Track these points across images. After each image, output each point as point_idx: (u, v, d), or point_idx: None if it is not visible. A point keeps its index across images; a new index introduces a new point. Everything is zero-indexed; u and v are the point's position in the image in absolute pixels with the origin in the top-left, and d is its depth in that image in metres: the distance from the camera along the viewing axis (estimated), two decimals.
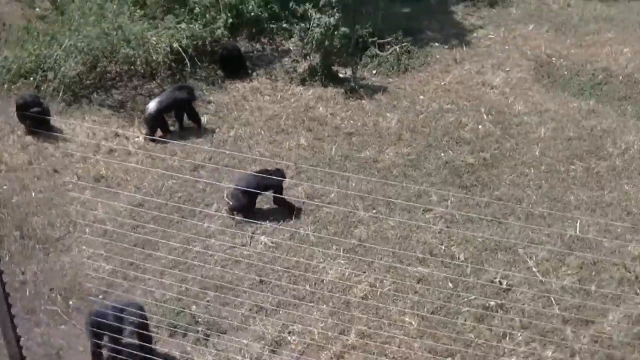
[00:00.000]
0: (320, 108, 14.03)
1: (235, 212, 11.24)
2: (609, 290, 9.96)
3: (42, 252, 10.85)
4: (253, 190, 10.88)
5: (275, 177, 11.20)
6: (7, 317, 6.38)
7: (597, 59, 15.70)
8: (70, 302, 10.00)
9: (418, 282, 10.08)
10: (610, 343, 9.30)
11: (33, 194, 11.97)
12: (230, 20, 15.34)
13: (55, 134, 13.22)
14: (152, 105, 13.04)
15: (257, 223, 11.09)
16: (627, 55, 15.80)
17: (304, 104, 14.16)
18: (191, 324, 9.53)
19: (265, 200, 11.46)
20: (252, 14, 15.72)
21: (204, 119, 13.56)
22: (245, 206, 11.20)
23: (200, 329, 9.47)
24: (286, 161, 12.36)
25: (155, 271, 10.24)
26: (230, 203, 11.34)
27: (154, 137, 13.01)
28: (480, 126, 13.45)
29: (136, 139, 13.05)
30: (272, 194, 11.34)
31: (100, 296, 9.92)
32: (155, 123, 13.10)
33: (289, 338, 9.37)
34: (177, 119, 13.35)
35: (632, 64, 15.45)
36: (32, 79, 14.18)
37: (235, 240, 10.83)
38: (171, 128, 13.33)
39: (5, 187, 12.17)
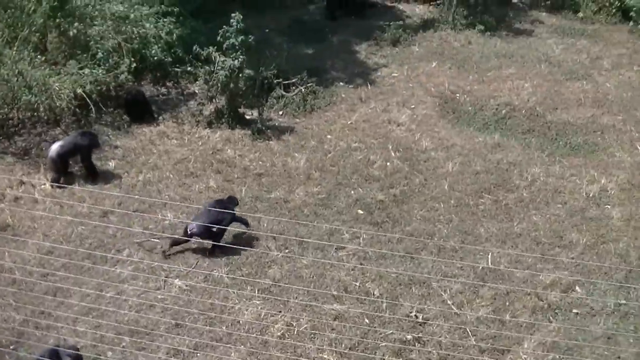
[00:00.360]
0: (229, 150, 14.26)
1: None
2: (523, 319, 10.45)
3: None
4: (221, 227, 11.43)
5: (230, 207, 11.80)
6: None
7: (500, 94, 16.50)
8: None
9: (334, 320, 10.34)
10: None
11: None
12: (134, 65, 15.43)
13: None
14: (54, 149, 13.05)
15: (170, 266, 11.20)
16: (528, 89, 16.68)
17: (211, 146, 14.37)
18: None
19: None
20: (156, 58, 15.91)
21: (111, 164, 13.63)
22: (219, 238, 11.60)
23: None
24: (196, 203, 12.50)
25: (67, 319, 10.22)
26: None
27: (60, 184, 13.00)
28: (388, 163, 13.91)
29: (42, 186, 13.00)
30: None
31: (12, 347, 9.86)
32: (59, 167, 13.09)
33: None
34: (83, 164, 13.36)
35: (534, 97, 16.31)
36: None
37: (149, 285, 10.91)
38: (77, 173, 13.35)
39: None
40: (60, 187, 12.96)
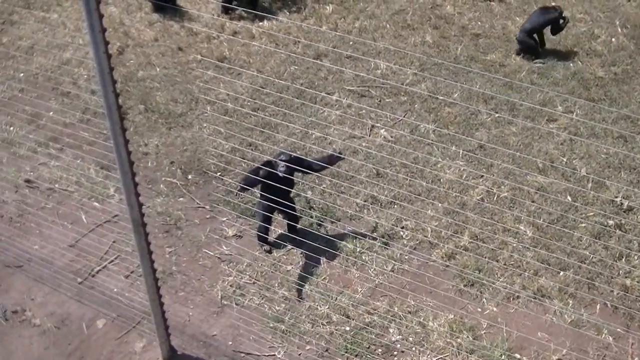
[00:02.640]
0: (448, 6, 13.62)
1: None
2: None
3: (165, 126, 11.02)
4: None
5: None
6: (131, 184, 6.46)
7: None
8: (189, 177, 10.16)
9: (537, 191, 9.82)
10: None
11: (158, 70, 12.12)
12: None
13: (181, 10, 13.27)
14: None
15: (378, 115, 10.98)
16: None
17: (431, 0, 13.77)
18: (305, 208, 9.57)
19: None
20: None
21: (328, 8, 13.37)
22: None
23: (314, 214, 9.51)
24: (410, 56, 12.10)
25: (274, 153, 10.26)
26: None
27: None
28: (613, 39, 12.82)
29: (260, 23, 12.97)
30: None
31: (219, 173, 10.06)
32: None
33: (401, 232, 9.32)
34: None
35: None
36: None
37: (355, 131, 10.76)
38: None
39: (132, 61, 12.34)
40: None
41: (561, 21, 12.30)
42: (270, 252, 9.10)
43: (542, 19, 12.23)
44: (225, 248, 9.16)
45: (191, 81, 11.79)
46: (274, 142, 10.52)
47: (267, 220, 9.06)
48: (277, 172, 8.60)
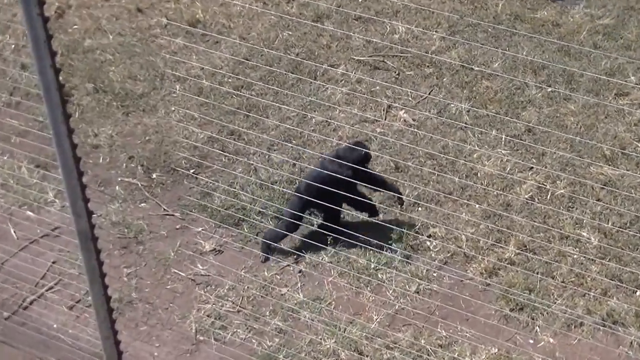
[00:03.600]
0: None
1: None
2: None
3: (121, 110, 11.05)
4: None
5: None
6: (77, 187, 6.42)
7: None
8: (154, 176, 10.18)
9: (603, 187, 9.83)
10: None
11: (111, 38, 12.16)
12: None
13: None
14: None
15: (395, 92, 11.00)
16: None
17: None
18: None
19: None
20: None
21: None
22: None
23: (316, 220, 9.52)
24: (437, 16, 12.11)
25: (262, 143, 10.33)
26: None
27: None
28: None
29: None
30: None
31: (192, 170, 10.09)
32: None
33: (428, 242, 9.33)
34: None
35: None
36: None
37: (367, 114, 10.78)
38: None
39: (75, 26, 12.39)
40: None
41: None
42: (266, 261, 9.22)
43: None
44: (201, 267, 9.18)
45: (154, 52, 11.83)
46: (262, 129, 10.53)
47: (294, 228, 9.22)
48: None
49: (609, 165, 10.08)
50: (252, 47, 11.73)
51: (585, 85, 11.13)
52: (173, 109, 10.95)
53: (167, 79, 11.40)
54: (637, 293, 8.75)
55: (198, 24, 12.31)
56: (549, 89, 11.05)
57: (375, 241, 9.22)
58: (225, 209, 9.63)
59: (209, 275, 9.09)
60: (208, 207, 9.67)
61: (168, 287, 9.04)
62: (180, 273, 9.14)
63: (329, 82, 11.26)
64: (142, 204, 9.90)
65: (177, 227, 9.62)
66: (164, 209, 9.79)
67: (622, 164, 10.09)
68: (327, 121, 10.63)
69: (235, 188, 9.77)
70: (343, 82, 11.25)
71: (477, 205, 9.62)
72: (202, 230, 9.54)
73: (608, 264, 8.95)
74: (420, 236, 9.35)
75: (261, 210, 9.52)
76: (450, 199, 9.71)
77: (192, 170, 10.11)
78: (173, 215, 9.73)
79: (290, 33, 12.08)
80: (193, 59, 11.62)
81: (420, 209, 9.64)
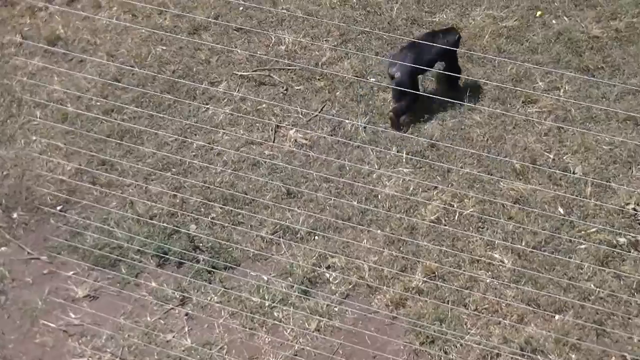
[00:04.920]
0: None
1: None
2: None
3: None
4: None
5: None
6: None
7: None
8: (14, 215, 10.11)
9: (514, 204, 10.06)
10: None
11: None
12: None
13: None
14: None
15: (285, 109, 11.08)
16: None
17: None
18: (189, 250, 9.62)
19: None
20: None
21: None
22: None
23: (202, 257, 9.55)
24: (326, 24, 12.24)
25: (137, 174, 10.31)
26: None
27: None
28: None
29: None
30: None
31: (59, 207, 10.03)
32: None
33: (327, 275, 9.42)
34: None
35: None
36: None
37: (254, 134, 10.85)
38: None
39: None
40: None
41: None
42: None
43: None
44: (73, 316, 9.14)
45: (9, 75, 11.72)
46: (137, 157, 10.53)
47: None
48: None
49: (520, 179, 10.31)
50: (122, 66, 11.70)
51: (491, 94, 11.35)
52: (34, 138, 10.88)
53: (25, 105, 11.30)
54: (556, 317, 8.99)
55: (59, 42, 12.21)
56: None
57: (270, 276, 9.31)
58: (99, 249, 9.61)
59: (83, 325, 9.05)
60: (79, 247, 9.63)
61: (36, 341, 8.97)
62: (49, 324, 9.08)
63: (210, 101, 11.29)
64: (3, 248, 9.81)
65: (45, 272, 9.56)
66: (28, 252, 9.72)
67: (533, 178, 10.33)
68: (209, 145, 10.66)
69: (109, 225, 9.75)
70: (226, 100, 11.29)
71: (379, 231, 9.75)
72: (74, 274, 9.50)
73: (523, 288, 9.17)
74: (318, 268, 9.44)
75: (140, 248, 9.51)
76: (349, 225, 9.82)
77: (59, 207, 10.06)
78: (39, 258, 9.66)
79: (164, 48, 12.07)
80: (54, 81, 11.53)
81: (316, 237, 9.74)
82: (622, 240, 9.68)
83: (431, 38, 11.01)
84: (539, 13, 12.44)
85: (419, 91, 10.94)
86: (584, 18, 12.50)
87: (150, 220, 9.78)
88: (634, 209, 10.03)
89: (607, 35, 12.23)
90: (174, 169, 10.41)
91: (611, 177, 10.39)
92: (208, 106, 11.18)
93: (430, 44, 10.80)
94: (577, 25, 12.40)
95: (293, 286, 9.27)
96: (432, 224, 9.84)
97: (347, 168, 10.43)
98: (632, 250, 9.62)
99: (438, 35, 11.12)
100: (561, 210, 10.01)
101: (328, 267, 9.48)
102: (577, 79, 11.53)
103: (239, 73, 11.69)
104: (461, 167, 10.41)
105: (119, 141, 10.68)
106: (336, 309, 9.13)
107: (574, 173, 10.40)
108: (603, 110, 11.05)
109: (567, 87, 11.43)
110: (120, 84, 11.46)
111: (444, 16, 12.50)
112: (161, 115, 11.01)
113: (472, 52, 11.85)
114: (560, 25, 12.39)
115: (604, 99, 11.30)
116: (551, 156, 10.62)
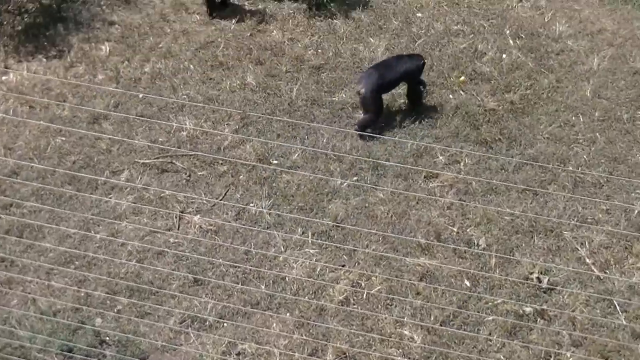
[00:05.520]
0: (274, 31, 13.94)
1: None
2: None
3: None
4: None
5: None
6: None
7: None
8: None
9: (421, 280, 10.12)
10: None
11: None
12: None
13: None
14: None
15: (188, 197, 11.05)
16: None
17: (250, 25, 14.05)
18: (95, 345, 9.49)
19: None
20: None
21: (104, 48, 13.43)
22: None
23: (108, 352, 9.44)
24: (227, 107, 12.28)
25: (39, 269, 10.17)
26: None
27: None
28: (504, 56, 13.44)
29: (3, 78, 12.92)
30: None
31: None
32: None
33: None
34: None
35: None
36: None
37: (157, 223, 10.81)
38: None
39: None
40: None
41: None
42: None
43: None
44: None
45: None
46: (39, 252, 10.40)
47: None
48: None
49: (426, 254, 10.39)
50: (17, 162, 11.56)
51: (393, 170, 11.44)
52: None
53: None
54: None
55: None
56: (355, 178, 11.33)
57: None
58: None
59: None
60: None
61: None
62: None
63: (112, 191, 11.23)
64: None
65: None
66: None
67: (439, 252, 10.42)
68: (113, 236, 10.57)
69: (10, 324, 9.58)
70: (128, 189, 11.23)
71: (288, 315, 9.72)
72: None
73: None
74: (227, 357, 9.38)
75: (43, 347, 9.35)
76: (258, 311, 9.79)
77: None
78: None
79: (63, 139, 11.97)
80: None
81: (225, 324, 9.69)
82: (528, 309, 9.80)
83: (397, 60, 12.13)
84: (462, 78, 12.74)
85: (382, 107, 12.05)
86: (480, 92, 12.73)
87: (53, 317, 9.63)
88: (538, 278, 10.15)
89: (503, 108, 12.46)
90: (77, 262, 10.31)
91: (514, 247, 10.53)
92: (110, 196, 11.11)
93: (395, 65, 12.04)
94: (474, 99, 12.63)
95: None
96: (340, 304, 9.84)
97: (254, 252, 10.43)
98: (538, 319, 9.74)
99: (404, 59, 12.20)
100: (467, 283, 10.10)
101: (238, 354, 9.44)
102: (476, 152, 11.69)
103: (141, 161, 11.66)
104: (367, 246, 10.46)
105: (18, 237, 10.54)
106: None
107: (478, 245, 10.53)
108: (502, 181, 11.20)
109: (467, 160, 11.59)
110: (17, 178, 11.33)
111: (344, 95, 12.64)
112: (60, 209, 10.87)
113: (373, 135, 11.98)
114: (457, 100, 12.60)
115: (503, 171, 11.48)
116: (455, 229, 10.72)
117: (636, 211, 10.92)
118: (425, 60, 12.40)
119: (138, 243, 10.51)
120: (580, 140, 11.99)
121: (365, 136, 11.76)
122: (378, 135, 11.80)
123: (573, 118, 12.33)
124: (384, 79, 11.94)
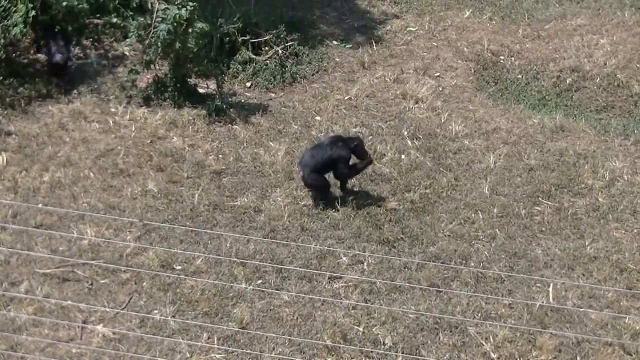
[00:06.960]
0: (175, 138, 14.04)
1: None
2: None
3: None
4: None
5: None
6: None
7: (564, 55, 16.21)
8: None
9: None
10: None
11: None
12: (32, 14, 15.11)
13: None
14: None
15: (90, 306, 10.90)
16: (605, 48, 16.39)
17: (150, 132, 14.15)
18: None
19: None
20: (66, 4, 15.53)
21: (2, 158, 13.31)
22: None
23: None
24: (129, 215, 12.22)
25: None
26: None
27: None
28: (403, 156, 13.69)
29: None
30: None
31: None
32: None
33: None
34: None
35: (613, 60, 16.03)
36: None
37: (59, 334, 10.61)
38: None
39: None
40: None
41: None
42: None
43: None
44: None
45: None
46: None
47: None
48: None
49: (333, 356, 10.38)
50: None
51: (297, 273, 11.46)
52: None
53: None
54: None
55: None
56: (260, 282, 11.32)
57: None
58: None
59: None
60: None
61: None
62: None
63: (12, 303, 10.99)
64: None
65: None
66: None
67: (345, 353, 10.40)
68: (12, 350, 10.33)
69: None
70: (28, 301, 11.02)
71: None
72: None
73: None
74: None
75: None
76: None
77: None
78: None
79: None
80: None
81: None
82: None
83: (332, 143, 12.70)
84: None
85: (326, 182, 12.74)
86: (381, 192, 12.88)
87: None
88: None
89: (404, 207, 12.64)
90: None
91: (420, 345, 10.58)
92: (9, 308, 10.88)
93: (326, 149, 12.53)
94: (376, 199, 12.74)
95: None
96: None
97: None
98: None
99: (338, 142, 12.64)
100: None
101: None
102: (379, 252, 11.79)
103: (42, 271, 11.49)
104: (273, 349, 10.41)
105: None
106: None
107: (384, 345, 10.54)
108: (406, 279, 11.29)
109: (370, 260, 11.67)
110: None
111: (246, 200, 12.70)
112: None
113: (274, 233, 12.00)
114: (359, 200, 12.69)
115: (406, 269, 11.58)
116: (361, 329, 10.73)
117: (538, 305, 11.06)
118: (360, 142, 12.76)
119: (39, 355, 10.31)
120: (481, 237, 12.20)
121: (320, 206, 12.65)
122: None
123: (473, 215, 12.55)
124: (317, 161, 12.48)
